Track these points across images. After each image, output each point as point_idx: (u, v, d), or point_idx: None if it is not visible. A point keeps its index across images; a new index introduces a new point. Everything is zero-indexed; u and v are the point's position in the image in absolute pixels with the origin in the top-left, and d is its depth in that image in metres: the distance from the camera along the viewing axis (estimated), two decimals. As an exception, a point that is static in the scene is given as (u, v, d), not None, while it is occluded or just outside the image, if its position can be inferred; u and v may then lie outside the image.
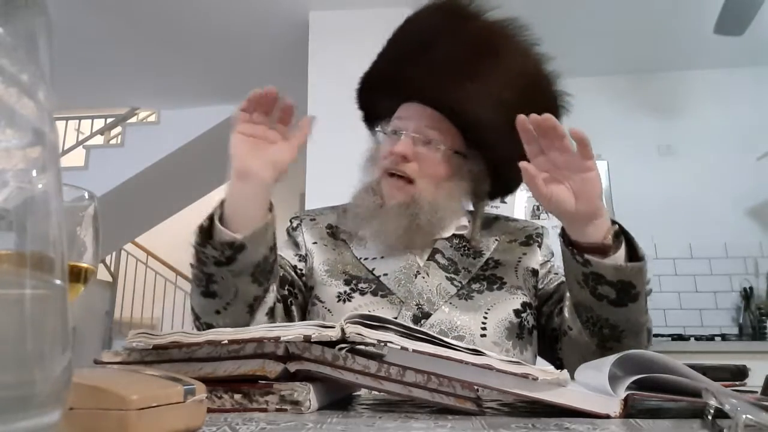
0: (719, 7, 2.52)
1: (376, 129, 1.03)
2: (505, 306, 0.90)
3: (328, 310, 0.91)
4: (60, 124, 4.79)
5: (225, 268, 0.77)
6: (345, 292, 0.91)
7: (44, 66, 0.22)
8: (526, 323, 0.91)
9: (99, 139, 5.13)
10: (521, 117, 0.76)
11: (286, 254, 1.00)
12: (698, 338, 2.73)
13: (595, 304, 0.80)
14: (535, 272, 0.97)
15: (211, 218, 0.77)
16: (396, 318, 0.87)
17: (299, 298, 0.95)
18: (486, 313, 0.89)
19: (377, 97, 1.02)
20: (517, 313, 0.90)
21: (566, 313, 0.87)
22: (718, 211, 3.23)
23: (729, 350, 2.53)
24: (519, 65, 0.95)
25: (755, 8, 2.48)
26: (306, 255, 0.99)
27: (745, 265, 3.16)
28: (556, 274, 0.99)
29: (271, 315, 0.85)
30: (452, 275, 0.93)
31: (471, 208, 1.04)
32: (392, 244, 0.93)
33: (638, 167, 3.31)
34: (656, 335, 2.93)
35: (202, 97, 3.97)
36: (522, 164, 0.77)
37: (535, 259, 0.98)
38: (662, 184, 3.31)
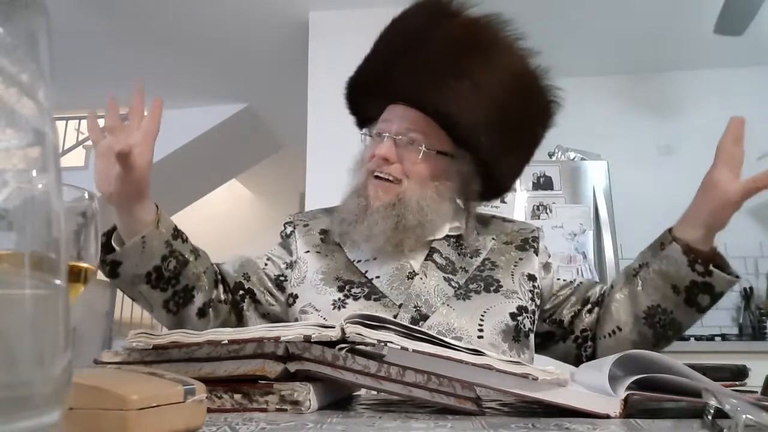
0: (719, 7, 2.52)
1: (362, 132, 1.03)
2: (501, 309, 0.90)
3: (324, 318, 0.91)
4: (60, 124, 4.79)
5: (116, 280, 0.85)
6: (339, 299, 0.91)
7: (44, 66, 0.22)
8: (522, 327, 0.91)
9: (99, 139, 5.13)
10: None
11: (272, 258, 1.02)
12: (698, 338, 2.73)
13: (681, 309, 0.85)
14: (532, 277, 0.97)
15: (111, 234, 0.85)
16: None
17: (261, 301, 0.98)
18: (483, 315, 0.89)
19: (364, 100, 1.03)
20: (513, 316, 0.90)
21: (617, 314, 0.90)
22: (718, 211, 3.22)
23: (729, 350, 2.53)
24: (505, 61, 0.95)
25: (755, 8, 2.48)
26: (296, 262, 1.00)
27: (745, 265, 3.16)
28: (580, 283, 1.01)
29: (203, 315, 0.91)
30: (450, 275, 0.93)
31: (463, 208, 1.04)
32: (381, 246, 0.93)
33: (638, 167, 3.31)
34: (656, 335, 2.93)
35: (202, 97, 3.97)
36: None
37: (532, 264, 0.98)
38: (662, 184, 3.31)
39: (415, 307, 0.89)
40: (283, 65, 3.47)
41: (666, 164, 3.37)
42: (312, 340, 0.49)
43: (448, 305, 0.90)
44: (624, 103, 3.49)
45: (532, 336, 0.94)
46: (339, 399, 0.59)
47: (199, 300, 0.90)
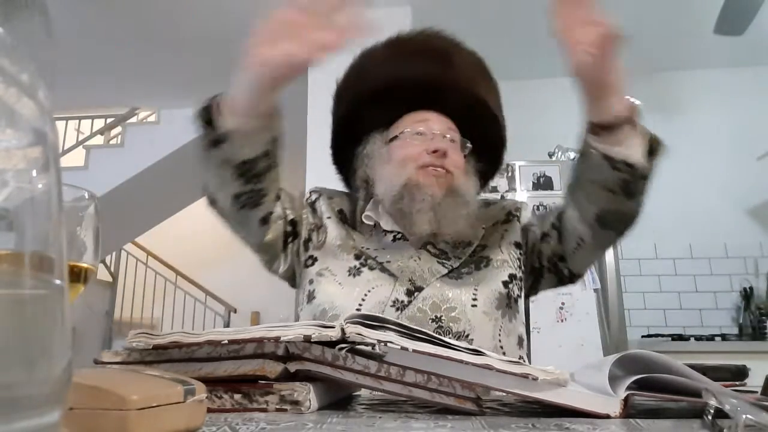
0: (719, 7, 2.52)
1: (399, 132, 1.02)
2: (494, 279, 0.96)
3: (340, 283, 0.95)
4: (60, 124, 4.79)
5: (209, 151, 0.84)
6: (355, 266, 0.97)
7: (44, 66, 0.22)
8: (512, 293, 0.97)
9: (99, 139, 5.13)
10: None
11: (306, 214, 1.05)
12: (698, 338, 2.73)
13: (625, 203, 0.87)
14: (518, 245, 1.03)
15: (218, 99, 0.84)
16: (391, 293, 0.92)
17: (295, 246, 1.02)
18: (476, 287, 0.95)
19: (372, 110, 1.04)
20: (504, 284, 0.96)
21: (575, 230, 0.94)
22: (718, 211, 3.23)
23: (729, 350, 2.53)
24: (489, 73, 1.07)
25: (755, 8, 2.48)
26: (320, 226, 1.04)
27: (745, 265, 3.16)
28: (533, 225, 1.07)
29: (264, 223, 0.95)
30: (443, 260, 0.98)
31: None
32: (458, 234, 0.99)
33: (638, 167, 3.31)
34: (656, 335, 2.94)
35: (202, 97, 3.97)
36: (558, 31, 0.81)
37: (516, 233, 1.04)
38: (662, 183, 3.30)
39: (409, 279, 0.94)
40: (283, 65, 3.47)
41: (666, 164, 3.36)
42: (312, 340, 0.49)
43: (441, 280, 0.95)
44: (624, 103, 3.49)
45: (521, 301, 1.00)
46: (339, 399, 0.59)
47: (264, 208, 0.93)
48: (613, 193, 0.86)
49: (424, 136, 0.99)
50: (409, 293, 0.92)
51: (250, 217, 0.92)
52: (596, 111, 0.82)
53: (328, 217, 1.04)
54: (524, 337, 1.00)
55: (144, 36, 3.27)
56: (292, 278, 1.06)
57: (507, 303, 0.95)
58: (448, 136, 1.01)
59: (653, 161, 0.85)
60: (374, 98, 1.02)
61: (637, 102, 0.83)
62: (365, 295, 0.93)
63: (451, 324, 0.90)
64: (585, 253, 0.97)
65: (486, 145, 1.06)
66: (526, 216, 1.08)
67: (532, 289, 1.08)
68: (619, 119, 0.82)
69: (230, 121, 0.82)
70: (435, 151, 0.97)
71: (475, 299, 0.93)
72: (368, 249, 0.99)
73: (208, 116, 0.83)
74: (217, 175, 0.88)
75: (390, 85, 1.01)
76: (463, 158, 1.02)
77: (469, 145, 1.03)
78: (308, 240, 1.03)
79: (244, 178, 0.87)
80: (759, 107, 3.35)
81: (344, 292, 0.94)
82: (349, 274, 0.96)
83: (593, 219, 0.91)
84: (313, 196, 1.08)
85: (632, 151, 0.83)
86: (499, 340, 0.93)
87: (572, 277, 1.02)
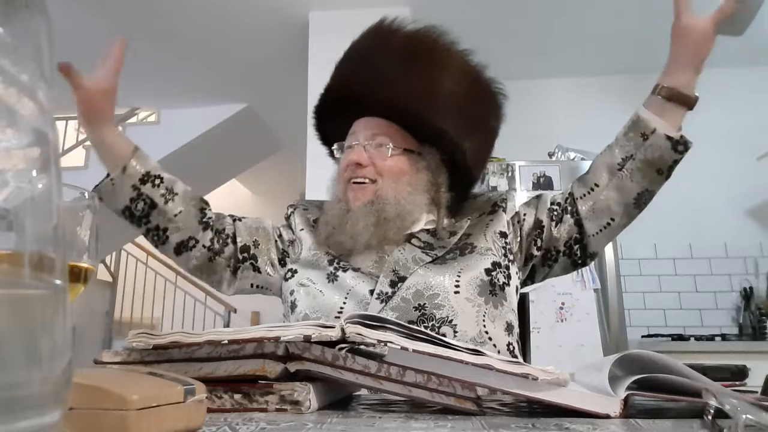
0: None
1: (334, 147, 1.10)
2: (476, 266, 0.97)
3: (320, 290, 0.97)
4: (60, 124, 4.79)
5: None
6: (331, 272, 0.99)
7: (44, 66, 0.22)
8: (496, 281, 0.97)
9: (99, 139, 5.12)
10: None
11: (282, 234, 1.10)
12: (698, 338, 2.73)
13: (661, 183, 0.97)
14: (503, 234, 1.03)
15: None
16: (374, 288, 0.94)
17: (261, 269, 1.07)
18: (459, 272, 0.95)
19: (332, 124, 1.11)
20: (487, 271, 0.97)
21: (609, 209, 0.99)
22: (718, 211, 3.23)
23: (729, 350, 2.53)
24: (448, 59, 1.03)
25: (755, 8, 2.48)
26: (295, 240, 1.09)
27: (745, 265, 3.16)
28: (525, 214, 1.07)
29: (179, 253, 1.03)
30: (427, 250, 1.00)
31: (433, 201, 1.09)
32: (367, 241, 0.99)
33: (638, 167, 3.31)
34: (656, 335, 2.94)
35: (202, 97, 3.97)
36: None
37: (502, 222, 1.04)
38: (662, 184, 3.31)
39: (393, 271, 0.95)
40: (283, 65, 3.47)
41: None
42: (312, 340, 0.49)
43: (425, 267, 0.96)
44: (624, 103, 3.48)
45: (509, 289, 1.00)
46: (339, 399, 0.59)
47: (174, 239, 1.02)
48: (659, 173, 0.95)
49: (351, 149, 1.03)
50: (393, 284, 0.94)
51: (167, 251, 1.04)
52: (679, 78, 0.95)
53: (302, 229, 1.09)
54: (514, 324, 0.99)
55: (144, 36, 3.27)
56: (252, 292, 1.11)
57: (491, 290, 0.95)
58: (373, 142, 1.01)
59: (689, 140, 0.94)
60: (327, 114, 1.11)
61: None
62: (347, 295, 0.95)
63: (434, 311, 0.91)
64: (609, 234, 1.01)
65: (440, 138, 1.02)
66: (512, 206, 1.08)
67: (536, 276, 1.08)
68: (691, 98, 0.94)
69: (98, 185, 0.99)
70: (348, 164, 1.01)
71: (457, 285, 0.94)
72: (341, 256, 1.01)
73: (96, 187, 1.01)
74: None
75: (325, 100, 1.09)
76: (400, 159, 1.01)
77: (389, 146, 1.01)
78: (285, 254, 1.08)
79: (134, 223, 1.01)
80: (759, 107, 3.35)
81: (326, 297, 0.96)
82: (328, 281, 0.98)
83: (632, 199, 0.97)
84: (289, 211, 1.14)
85: (683, 134, 0.93)
86: (484, 326, 0.93)
87: (585, 259, 1.04)
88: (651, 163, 0.95)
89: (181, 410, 0.38)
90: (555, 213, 1.03)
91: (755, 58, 3.34)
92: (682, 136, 0.94)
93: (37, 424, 0.20)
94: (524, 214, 1.06)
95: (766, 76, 3.41)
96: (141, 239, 5.59)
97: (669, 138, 0.93)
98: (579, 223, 1.01)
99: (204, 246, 1.04)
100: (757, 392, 0.59)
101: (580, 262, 1.04)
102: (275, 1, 2.94)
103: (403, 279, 0.94)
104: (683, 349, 2.51)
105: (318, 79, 2.92)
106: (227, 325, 5.91)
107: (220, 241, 1.05)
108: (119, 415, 0.33)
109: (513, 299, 1.01)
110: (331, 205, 1.05)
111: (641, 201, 0.98)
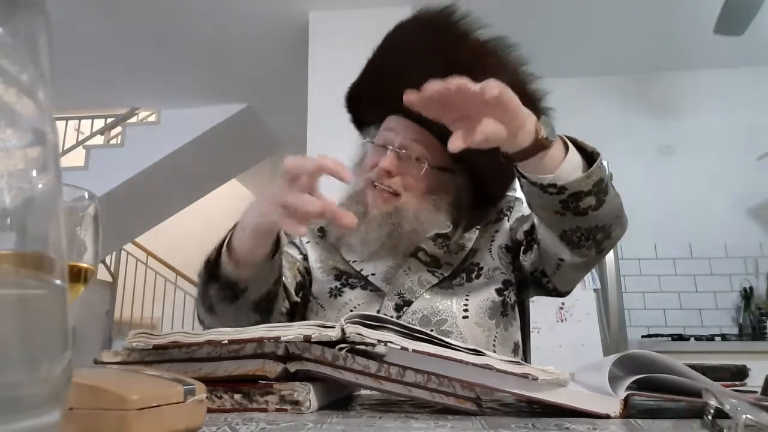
0: (719, 7, 2.51)
1: (365, 140, 1.04)
2: (486, 288, 0.93)
3: (321, 305, 0.94)
4: (60, 124, 4.79)
5: (228, 304, 0.80)
6: (336, 287, 0.95)
7: (44, 66, 0.22)
8: (508, 300, 0.94)
9: (99, 139, 5.13)
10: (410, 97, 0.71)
11: (293, 254, 1.02)
12: (698, 338, 2.73)
13: (581, 220, 0.80)
14: (508, 248, 0.98)
15: (219, 248, 0.77)
16: (379, 309, 0.90)
17: (307, 295, 0.98)
18: (467, 296, 0.91)
19: (364, 108, 1.04)
20: (499, 291, 0.93)
21: (550, 250, 0.87)
22: (718, 211, 3.23)
23: (729, 350, 2.53)
24: (509, 74, 0.92)
25: (755, 8, 2.47)
26: (304, 254, 1.03)
27: (745, 265, 3.16)
28: (515, 227, 0.99)
29: (288, 315, 0.91)
30: (433, 269, 0.95)
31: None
32: (376, 251, 0.95)
33: (638, 167, 3.31)
34: (656, 335, 2.94)
35: (202, 97, 3.97)
36: (451, 143, 0.70)
37: (505, 234, 0.99)
38: (662, 184, 3.31)
39: (398, 294, 0.91)
40: (283, 65, 3.47)
41: (666, 164, 3.37)
42: (312, 340, 0.49)
43: (431, 291, 0.92)
44: (624, 103, 3.49)
45: (517, 307, 0.97)
46: (339, 399, 0.59)
47: (276, 312, 0.87)
48: (560, 214, 0.80)
49: (384, 148, 0.95)
50: (398, 308, 0.90)
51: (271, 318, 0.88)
52: (507, 146, 0.75)
53: (307, 242, 1.04)
54: (520, 343, 0.98)
55: (144, 36, 3.27)
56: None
57: (502, 311, 0.92)
58: (409, 151, 0.93)
59: (591, 170, 0.76)
60: (361, 98, 1.02)
61: (546, 122, 0.75)
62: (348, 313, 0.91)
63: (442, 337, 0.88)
64: (568, 272, 0.90)
65: (477, 160, 0.92)
66: (517, 213, 1.02)
67: (521, 294, 1.02)
68: (529, 148, 0.74)
69: (236, 271, 0.77)
70: (375, 167, 0.94)
71: (466, 310, 0.90)
72: (354, 262, 0.97)
73: (213, 266, 0.79)
74: (225, 316, 0.83)
75: (360, 90, 1.01)
76: (431, 177, 0.94)
77: (425, 165, 0.93)
78: (306, 269, 1.02)
79: (260, 311, 0.83)
80: (759, 107, 3.35)
81: (326, 314, 0.93)
82: (330, 296, 0.94)
83: (559, 241, 0.85)
84: None
85: (560, 170, 0.75)
86: (494, 350, 0.90)
87: (559, 292, 0.96)
88: (543, 209, 0.82)
89: (181, 410, 0.37)
90: (527, 238, 0.96)
91: (755, 58, 3.34)
92: (550, 181, 0.76)
93: (37, 424, 0.20)
94: (512, 230, 1.01)
95: (766, 76, 3.41)
96: (141, 239, 5.60)
97: (533, 184, 0.77)
98: (540, 258, 0.92)
99: (281, 313, 0.92)
100: (757, 392, 0.59)
101: (553, 293, 0.97)
102: (275, 2, 2.94)
103: (408, 303, 0.90)
104: (683, 349, 2.51)
105: (318, 79, 2.93)
106: (227, 325, 5.90)
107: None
108: (119, 415, 0.33)
109: (518, 317, 0.98)
110: (346, 204, 0.97)
111: (572, 240, 0.84)
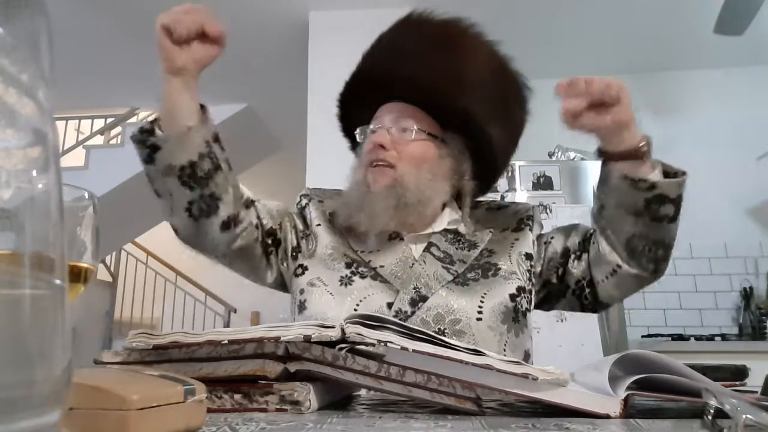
0: (719, 7, 2.52)
1: (357, 132, 1.07)
2: (500, 291, 0.93)
3: (331, 293, 0.94)
4: (60, 124, 4.79)
5: (150, 166, 0.88)
6: (346, 275, 0.95)
7: (44, 66, 0.22)
8: (520, 307, 0.94)
9: (99, 139, 5.13)
10: (561, 84, 0.87)
11: (293, 215, 1.06)
12: (698, 338, 2.73)
13: (652, 228, 0.87)
14: (529, 256, 0.99)
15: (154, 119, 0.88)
16: (392, 302, 0.90)
17: (279, 256, 1.02)
18: (482, 297, 0.92)
19: (358, 110, 1.06)
20: (512, 297, 0.93)
21: (606, 258, 0.92)
22: (718, 211, 3.23)
23: (729, 350, 2.53)
24: (477, 47, 1.01)
25: (755, 8, 2.47)
26: (309, 234, 1.03)
27: (745, 265, 3.16)
28: (552, 237, 1.03)
29: (226, 229, 0.93)
30: (448, 265, 0.96)
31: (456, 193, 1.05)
32: (386, 226, 0.96)
33: (638, 167, 3.31)
34: (656, 335, 2.94)
35: (202, 97, 3.96)
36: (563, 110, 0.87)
37: (527, 242, 1.01)
38: (662, 184, 3.31)
39: (414, 288, 0.92)
40: (283, 65, 3.47)
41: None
42: (312, 340, 0.49)
43: (447, 288, 0.92)
44: (624, 103, 3.48)
45: (529, 315, 0.97)
46: (339, 399, 0.59)
47: (223, 212, 0.92)
48: (637, 215, 0.87)
49: (374, 132, 1.00)
50: (413, 303, 0.90)
51: (208, 226, 0.91)
52: (610, 144, 0.88)
53: (318, 225, 1.03)
54: (531, 352, 0.97)
55: (144, 36, 3.26)
56: (283, 286, 1.05)
57: (514, 317, 0.92)
58: (397, 125, 0.98)
59: (683, 179, 0.87)
60: (353, 99, 1.07)
61: (647, 136, 0.88)
62: (357, 304, 0.91)
63: (454, 337, 0.87)
64: (618, 282, 0.93)
65: (466, 123, 0.98)
66: (539, 223, 1.05)
67: (545, 303, 1.04)
68: (631, 152, 0.87)
69: (159, 133, 0.87)
70: (370, 147, 0.98)
71: (480, 311, 0.90)
72: (363, 252, 0.98)
73: (142, 137, 0.88)
74: (165, 192, 0.90)
75: (351, 86, 1.05)
76: (423, 144, 0.98)
77: (413, 129, 0.98)
78: (297, 248, 1.02)
79: (189, 185, 0.88)
80: (759, 107, 3.35)
81: (336, 302, 0.92)
82: (341, 284, 0.94)
83: (622, 245, 0.90)
84: (303, 201, 1.08)
85: (651, 174, 0.86)
86: (505, 356, 0.90)
87: (594, 306, 0.99)
88: (622, 206, 0.89)
89: (181, 410, 0.38)
90: (581, 247, 0.99)
91: (755, 58, 3.34)
92: (643, 175, 0.87)
93: (37, 424, 0.20)
94: (552, 237, 1.02)
95: (766, 76, 3.41)
96: (141, 239, 5.60)
97: (626, 178, 0.87)
98: (589, 266, 0.96)
99: (252, 224, 0.97)
100: (757, 392, 0.59)
101: (589, 307, 0.99)
102: (275, 1, 2.94)
103: (424, 298, 0.91)
104: (683, 349, 2.51)
105: (318, 79, 2.93)
106: (227, 325, 5.91)
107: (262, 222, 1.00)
108: (119, 415, 0.33)
109: (531, 325, 0.98)
110: (351, 189, 1.01)
111: (637, 248, 0.90)
